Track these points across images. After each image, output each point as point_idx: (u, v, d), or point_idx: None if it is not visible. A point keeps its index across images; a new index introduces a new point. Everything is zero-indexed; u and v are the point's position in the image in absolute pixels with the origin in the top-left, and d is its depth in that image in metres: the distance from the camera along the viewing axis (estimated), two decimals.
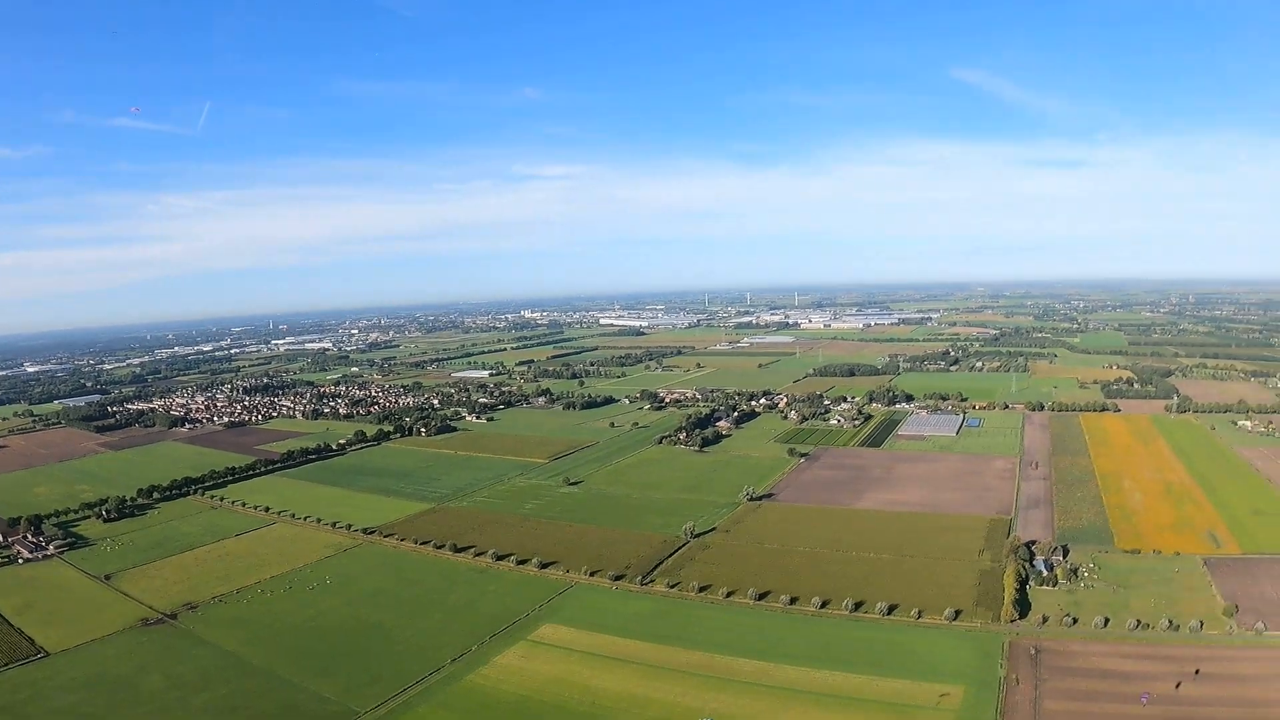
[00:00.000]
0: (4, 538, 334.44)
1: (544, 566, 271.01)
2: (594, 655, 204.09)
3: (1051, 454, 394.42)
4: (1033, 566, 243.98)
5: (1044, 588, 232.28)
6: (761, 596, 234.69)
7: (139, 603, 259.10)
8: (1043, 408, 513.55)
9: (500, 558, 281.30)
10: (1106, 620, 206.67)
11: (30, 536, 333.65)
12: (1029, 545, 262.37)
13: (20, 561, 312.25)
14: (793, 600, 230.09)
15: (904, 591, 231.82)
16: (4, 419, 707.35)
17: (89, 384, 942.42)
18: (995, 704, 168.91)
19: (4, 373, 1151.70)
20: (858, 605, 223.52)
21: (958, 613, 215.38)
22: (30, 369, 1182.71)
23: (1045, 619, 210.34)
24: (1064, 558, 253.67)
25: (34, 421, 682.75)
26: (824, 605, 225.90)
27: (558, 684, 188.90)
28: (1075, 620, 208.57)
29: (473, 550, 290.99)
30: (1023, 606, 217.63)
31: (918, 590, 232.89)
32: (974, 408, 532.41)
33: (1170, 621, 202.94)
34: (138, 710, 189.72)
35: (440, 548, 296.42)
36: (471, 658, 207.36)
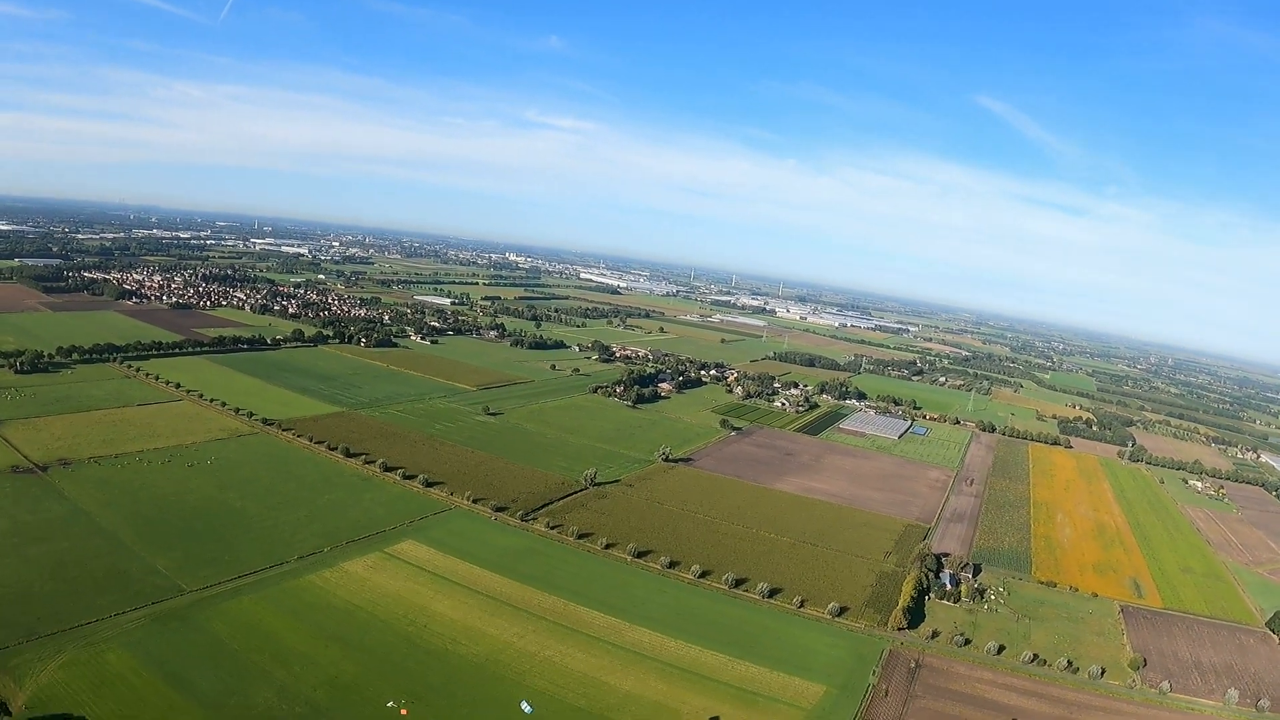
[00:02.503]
0: None
1: (429, 485, 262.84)
2: (445, 580, 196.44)
3: (990, 474, 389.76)
4: (938, 579, 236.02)
5: (944, 602, 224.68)
6: (641, 555, 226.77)
7: (17, 451, 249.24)
8: (994, 430, 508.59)
9: (389, 469, 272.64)
10: (1001, 648, 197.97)
11: None
12: (940, 557, 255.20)
13: None
14: (672, 564, 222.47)
15: (793, 578, 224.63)
16: None
17: (55, 249, 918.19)
18: (854, 713, 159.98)
19: None
20: (739, 582, 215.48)
21: (843, 609, 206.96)
22: (3, 227, 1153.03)
23: (936, 634, 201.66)
24: (974, 576, 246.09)
25: None
26: (703, 575, 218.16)
27: (395, 601, 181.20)
28: (968, 641, 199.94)
29: (364, 458, 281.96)
30: (915, 617, 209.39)
31: (808, 580, 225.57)
32: (924, 417, 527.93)
33: (1070, 662, 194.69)
34: None
35: (333, 449, 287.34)
36: (320, 559, 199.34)
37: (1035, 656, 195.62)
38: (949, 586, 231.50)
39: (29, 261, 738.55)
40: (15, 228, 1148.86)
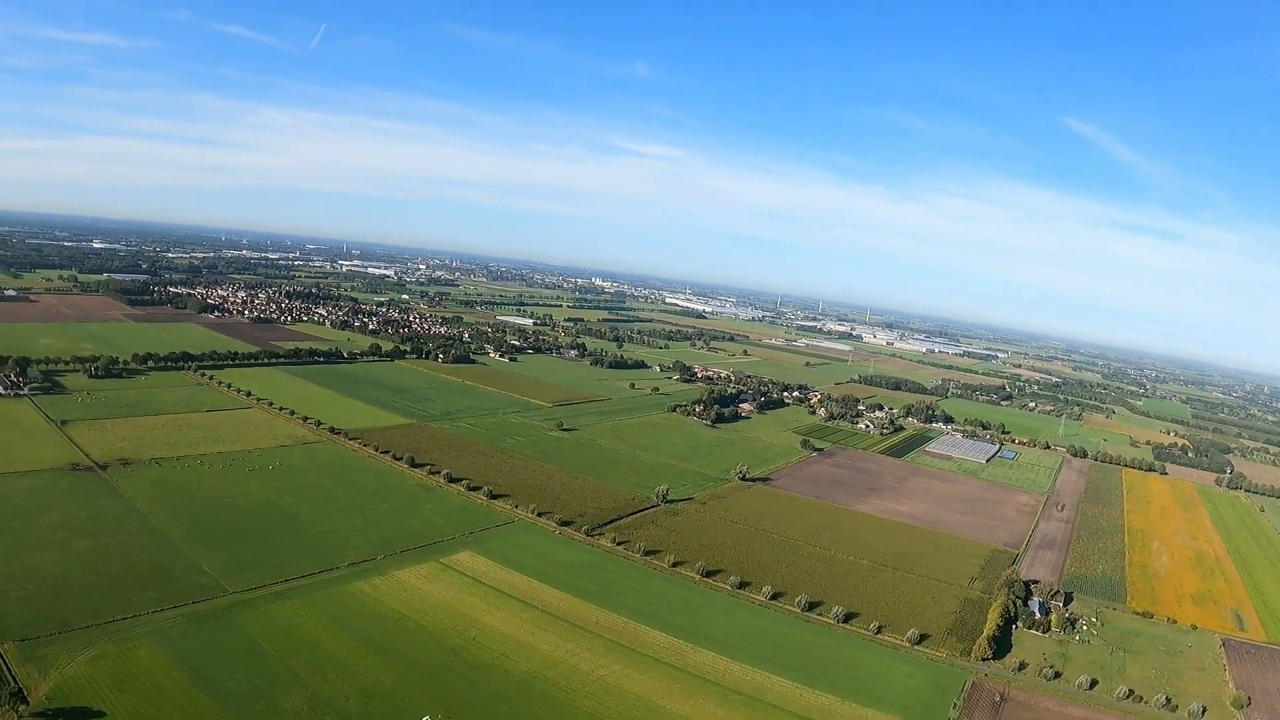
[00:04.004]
0: None
1: (494, 497, 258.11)
2: (499, 592, 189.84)
3: (1082, 500, 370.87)
4: (1026, 607, 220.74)
5: (1033, 632, 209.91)
6: (710, 574, 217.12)
7: (80, 450, 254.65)
8: (1085, 455, 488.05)
9: (453, 480, 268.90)
10: (1094, 682, 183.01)
11: (13, 376, 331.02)
12: (1029, 584, 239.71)
13: None
14: (742, 584, 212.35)
15: (871, 602, 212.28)
16: (47, 279, 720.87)
17: (144, 266, 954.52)
18: None
19: (71, 243, 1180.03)
20: (813, 605, 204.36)
21: (923, 637, 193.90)
22: (97, 245, 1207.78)
23: (1023, 665, 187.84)
24: (1065, 605, 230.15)
25: (74, 286, 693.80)
26: (775, 597, 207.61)
27: (444, 611, 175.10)
28: (1058, 674, 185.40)
29: (428, 468, 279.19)
30: (1001, 647, 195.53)
31: (887, 604, 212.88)
32: (1013, 442, 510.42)
33: (1168, 699, 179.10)
34: (16, 538, 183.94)
35: (398, 459, 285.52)
36: (371, 566, 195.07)
37: (1130, 692, 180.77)
38: (1038, 615, 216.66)
39: (116, 276, 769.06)
40: (108, 246, 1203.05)
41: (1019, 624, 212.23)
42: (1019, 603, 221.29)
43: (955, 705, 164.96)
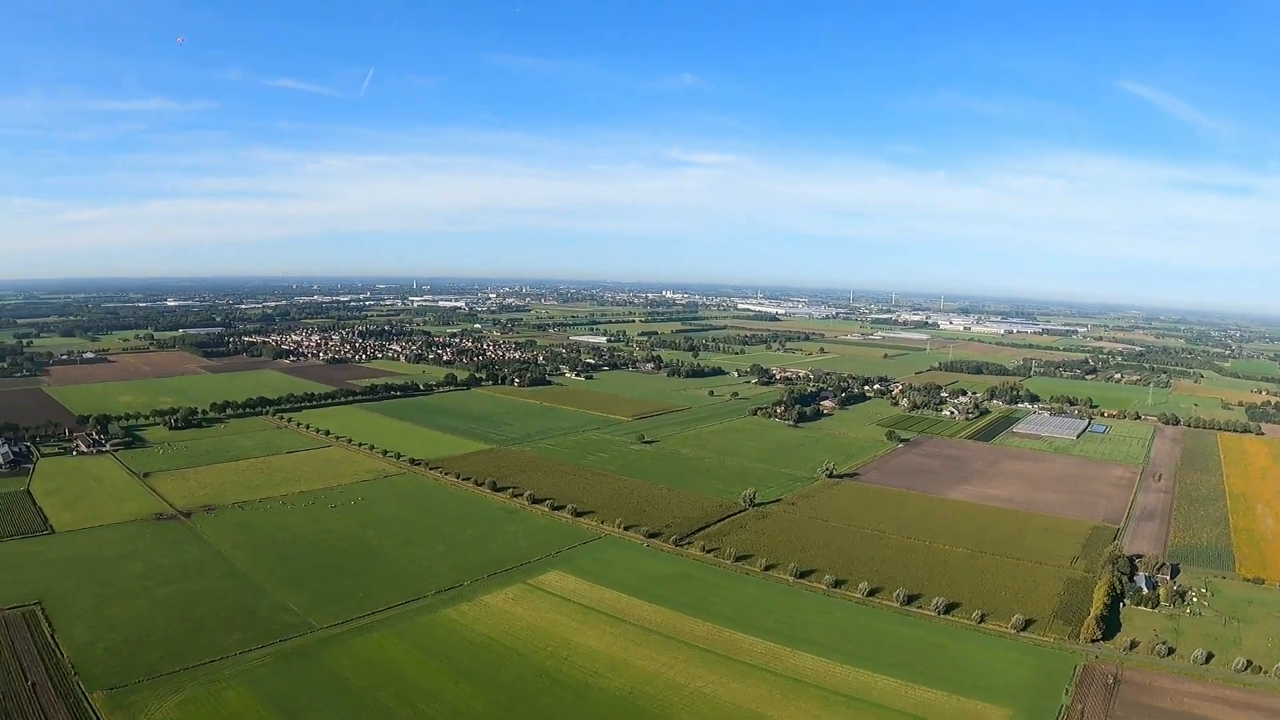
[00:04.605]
0: (69, 432, 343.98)
1: (578, 515, 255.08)
2: (589, 609, 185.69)
3: (1179, 468, 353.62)
4: (1132, 583, 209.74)
5: (1141, 608, 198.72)
6: (804, 575, 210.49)
7: (162, 500, 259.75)
8: (1178, 422, 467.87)
9: (536, 501, 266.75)
10: (1210, 656, 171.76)
11: (95, 434, 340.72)
12: (1132, 559, 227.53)
13: (75, 454, 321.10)
14: (838, 583, 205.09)
15: (971, 591, 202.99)
16: (124, 339, 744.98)
17: (218, 319, 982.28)
18: None
19: (145, 304, 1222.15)
20: (911, 599, 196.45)
21: (1029, 622, 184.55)
22: (171, 303, 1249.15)
23: (1134, 644, 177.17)
24: (1171, 578, 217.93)
25: (150, 344, 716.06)
26: (872, 593, 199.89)
27: (534, 633, 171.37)
28: (1171, 650, 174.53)
29: (510, 491, 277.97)
30: (1110, 626, 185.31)
31: (988, 592, 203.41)
32: (1102, 415, 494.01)
33: None
34: (103, 590, 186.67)
35: (480, 484, 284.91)
36: (458, 593, 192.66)
37: (1248, 663, 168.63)
38: (1145, 590, 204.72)
39: (191, 331, 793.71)
40: (182, 304, 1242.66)
41: (1126, 601, 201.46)
42: (1124, 579, 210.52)
43: (1067, 691, 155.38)
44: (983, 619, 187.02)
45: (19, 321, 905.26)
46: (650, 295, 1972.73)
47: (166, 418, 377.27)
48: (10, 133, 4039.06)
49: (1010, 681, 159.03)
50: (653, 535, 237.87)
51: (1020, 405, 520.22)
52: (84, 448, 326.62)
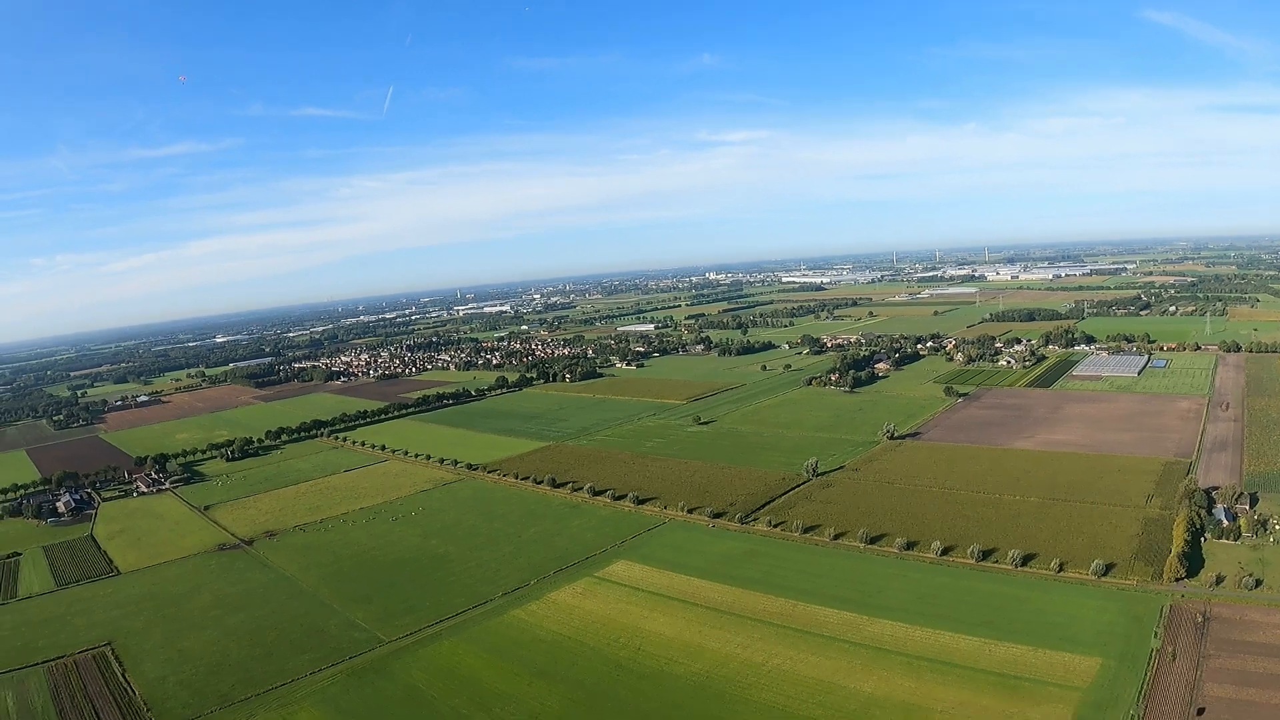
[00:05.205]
0: (128, 475, 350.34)
1: (640, 503, 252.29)
2: (659, 596, 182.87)
3: (1245, 395, 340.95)
4: (1210, 516, 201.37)
5: (1223, 541, 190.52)
6: (875, 540, 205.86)
7: (224, 530, 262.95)
8: (1239, 349, 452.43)
9: (597, 493, 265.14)
10: None
11: (153, 473, 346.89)
12: (1208, 492, 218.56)
13: (136, 495, 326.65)
14: (910, 545, 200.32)
15: (1046, 541, 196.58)
16: (176, 379, 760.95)
17: (267, 349, 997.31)
18: (1140, 685, 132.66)
19: (194, 343, 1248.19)
20: (986, 554, 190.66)
21: (1109, 567, 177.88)
22: (220, 339, 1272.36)
23: (1220, 579, 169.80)
24: (1251, 507, 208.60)
25: (202, 380, 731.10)
26: (945, 552, 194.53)
27: (605, 625, 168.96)
28: (1259, 582, 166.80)
29: (570, 486, 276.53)
30: (1193, 563, 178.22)
31: (1064, 540, 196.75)
32: (1161, 349, 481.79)
33: None
34: (172, 625, 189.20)
35: (539, 483, 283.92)
36: (525, 593, 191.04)
37: None
38: (1225, 522, 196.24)
39: (241, 364, 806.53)
40: (231, 339, 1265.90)
41: (1207, 535, 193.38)
42: (1203, 513, 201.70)
43: (1156, 634, 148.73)
44: (1061, 568, 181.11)
45: (73, 374, 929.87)
46: (694, 279, 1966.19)
47: (223, 450, 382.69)
48: (46, 192, 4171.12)
49: (1097, 629, 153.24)
50: (717, 515, 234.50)
51: (1077, 348, 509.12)
52: (144, 488, 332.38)
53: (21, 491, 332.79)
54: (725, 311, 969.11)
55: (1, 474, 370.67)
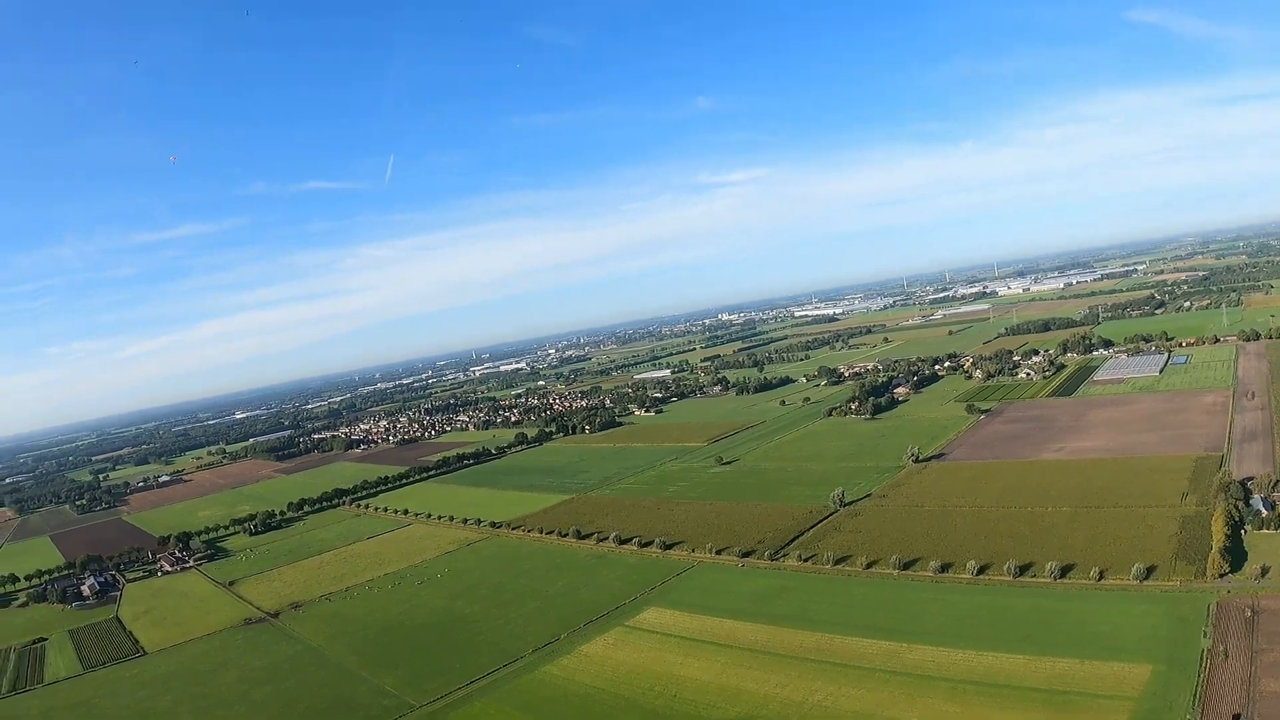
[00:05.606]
0: (152, 555, 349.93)
1: (667, 548, 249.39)
2: (692, 640, 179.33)
3: (1270, 382, 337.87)
4: (1248, 507, 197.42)
5: (1264, 531, 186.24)
6: (908, 565, 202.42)
7: (249, 604, 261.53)
8: (1258, 337, 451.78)
9: (623, 541, 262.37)
10: None
11: (177, 552, 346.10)
12: (1244, 483, 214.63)
13: (160, 574, 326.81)
14: (944, 567, 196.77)
15: (1083, 549, 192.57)
16: (197, 458, 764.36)
17: (286, 422, 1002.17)
18: (1194, 688, 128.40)
19: (214, 421, 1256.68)
20: (1023, 569, 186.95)
21: (1150, 570, 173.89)
22: (239, 416, 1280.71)
23: (1265, 570, 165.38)
24: None
25: (222, 457, 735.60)
26: (981, 571, 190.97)
27: (638, 675, 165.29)
28: None
29: (595, 536, 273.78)
30: (1235, 557, 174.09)
31: (1101, 547, 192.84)
32: (1180, 345, 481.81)
33: None
34: (197, 703, 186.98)
35: (564, 536, 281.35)
36: (555, 648, 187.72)
37: None
38: (1264, 512, 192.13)
39: (261, 438, 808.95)
40: (250, 414, 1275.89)
41: (1246, 528, 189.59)
42: (1240, 505, 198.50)
43: (1205, 633, 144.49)
44: (1101, 576, 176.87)
45: (95, 458, 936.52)
46: (707, 321, 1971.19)
47: (245, 524, 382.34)
48: (56, 281, 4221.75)
49: (1143, 635, 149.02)
50: (746, 554, 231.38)
51: (1095, 353, 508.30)
52: (168, 567, 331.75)
53: (46, 577, 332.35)
54: (740, 351, 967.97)
55: (26, 560, 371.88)
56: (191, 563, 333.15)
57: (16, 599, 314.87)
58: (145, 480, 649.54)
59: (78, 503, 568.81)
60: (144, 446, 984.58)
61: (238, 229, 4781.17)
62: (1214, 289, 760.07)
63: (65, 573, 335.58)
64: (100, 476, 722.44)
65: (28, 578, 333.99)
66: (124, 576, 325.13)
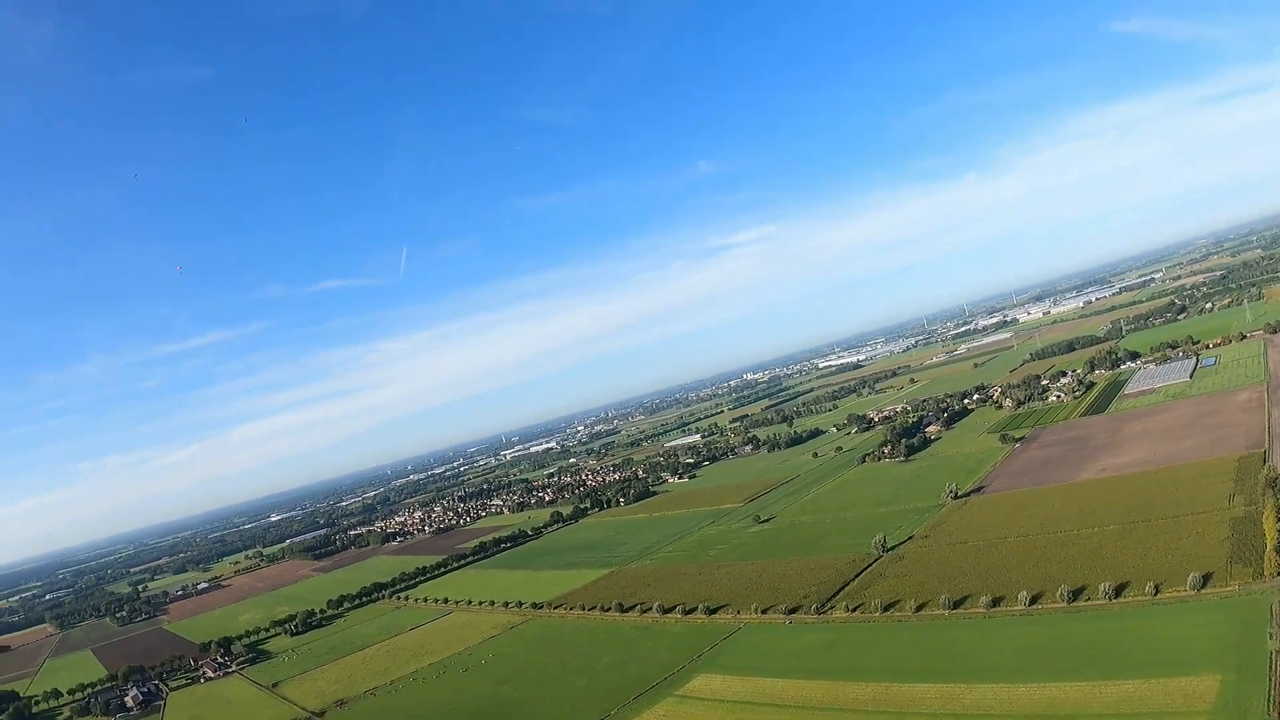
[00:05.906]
0: (194, 662, 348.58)
1: (712, 612, 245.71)
2: (745, 704, 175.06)
3: None
4: None
5: None
6: (958, 604, 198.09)
7: (294, 705, 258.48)
8: None
9: (666, 610, 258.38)
10: None
11: (218, 658, 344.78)
12: None
13: (203, 680, 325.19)
14: (995, 601, 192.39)
15: (1135, 566, 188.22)
16: (235, 562, 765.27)
17: (321, 521, 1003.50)
18: (1266, 692, 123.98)
19: (250, 525, 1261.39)
20: (1076, 593, 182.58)
21: (1206, 578, 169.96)
22: (274, 518, 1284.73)
23: None
24: None
25: (260, 560, 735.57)
26: (1034, 601, 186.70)
27: None
28: None
29: (639, 608, 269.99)
30: None
31: (1153, 561, 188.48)
32: (1207, 347, 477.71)
33: None
34: None
35: (606, 610, 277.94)
36: None
37: None
38: None
39: (297, 539, 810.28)
40: (285, 516, 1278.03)
41: None
42: None
43: (1270, 634, 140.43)
44: (1157, 590, 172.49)
45: (133, 570, 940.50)
46: (733, 382, 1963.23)
47: (286, 625, 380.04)
48: (85, 398, 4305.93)
49: (1207, 645, 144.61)
50: (793, 610, 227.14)
51: (1123, 366, 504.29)
52: (210, 673, 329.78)
53: (89, 690, 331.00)
54: (768, 408, 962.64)
55: (68, 675, 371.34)
56: (234, 667, 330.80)
57: (60, 714, 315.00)
58: (184, 588, 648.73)
59: (118, 615, 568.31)
60: (181, 555, 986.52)
61: (259, 333, 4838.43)
62: (1233, 286, 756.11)
63: (108, 685, 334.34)
64: (139, 587, 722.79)
65: (70, 692, 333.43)
66: (167, 685, 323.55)
